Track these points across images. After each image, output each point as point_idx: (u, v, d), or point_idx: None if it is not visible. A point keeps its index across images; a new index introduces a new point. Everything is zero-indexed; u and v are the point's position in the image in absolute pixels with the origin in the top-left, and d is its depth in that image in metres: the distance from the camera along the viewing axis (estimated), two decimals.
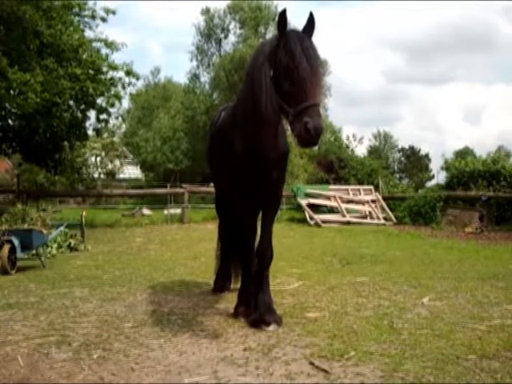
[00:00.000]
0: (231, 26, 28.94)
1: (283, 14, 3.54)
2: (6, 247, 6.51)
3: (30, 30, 10.64)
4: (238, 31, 28.47)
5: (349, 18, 79.50)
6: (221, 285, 5.37)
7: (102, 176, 29.78)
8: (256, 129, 3.81)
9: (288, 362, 3.23)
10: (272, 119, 3.66)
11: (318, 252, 8.79)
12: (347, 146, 35.04)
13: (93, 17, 13.04)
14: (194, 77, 30.01)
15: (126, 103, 34.91)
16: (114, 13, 13.23)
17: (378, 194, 17.11)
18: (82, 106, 13.06)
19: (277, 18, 3.60)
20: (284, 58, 3.42)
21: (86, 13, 13.07)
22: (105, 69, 12.85)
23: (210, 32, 28.87)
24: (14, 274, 6.56)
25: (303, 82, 3.30)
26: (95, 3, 13.15)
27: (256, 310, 4.12)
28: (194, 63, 29.84)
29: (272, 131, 3.86)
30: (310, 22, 3.58)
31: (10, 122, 13.36)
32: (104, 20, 13.12)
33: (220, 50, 29.50)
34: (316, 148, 29.71)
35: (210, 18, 28.67)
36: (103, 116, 13.66)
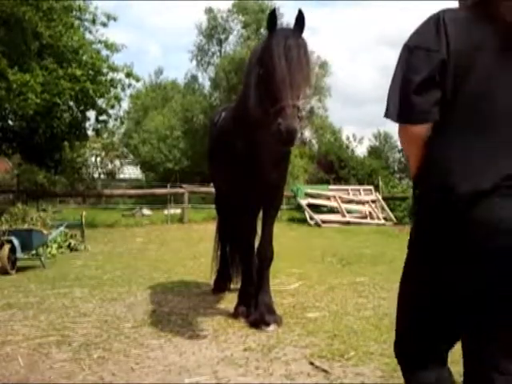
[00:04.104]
0: (233, 27, 28.97)
1: (273, 13, 3.51)
2: (6, 247, 6.52)
3: (30, 30, 10.65)
4: (240, 32, 28.49)
5: (348, 18, 79.58)
6: (221, 285, 5.38)
7: (101, 176, 29.81)
8: (252, 129, 3.81)
9: (288, 362, 3.23)
10: (263, 120, 3.53)
11: (318, 252, 8.79)
12: (347, 147, 35.04)
13: (93, 21, 13.02)
14: (192, 78, 30.12)
15: (125, 104, 35.00)
16: (115, 19, 13.24)
17: (378, 194, 17.12)
18: (82, 107, 13.08)
19: (267, 18, 3.54)
20: (265, 58, 3.40)
21: (87, 16, 13.08)
22: (105, 70, 12.87)
23: (212, 32, 28.87)
24: (14, 274, 6.57)
25: (279, 82, 3.26)
26: (96, 7, 13.18)
27: (256, 310, 4.13)
28: (194, 63, 29.93)
29: (268, 131, 3.82)
30: (299, 20, 3.47)
31: (10, 122, 13.38)
32: (105, 25, 13.12)
33: (221, 50, 29.54)
34: (316, 148, 29.82)
35: (212, 17, 28.66)
36: (103, 117, 13.70)
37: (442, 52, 1.45)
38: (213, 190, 6.23)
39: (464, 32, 1.46)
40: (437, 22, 1.48)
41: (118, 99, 13.25)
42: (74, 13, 12.62)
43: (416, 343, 1.65)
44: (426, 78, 1.45)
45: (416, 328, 1.63)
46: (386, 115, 1.55)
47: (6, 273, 6.45)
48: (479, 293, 1.45)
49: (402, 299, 1.68)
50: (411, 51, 1.50)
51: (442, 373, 1.64)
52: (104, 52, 13.08)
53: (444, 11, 1.50)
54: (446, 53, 1.44)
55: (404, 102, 1.48)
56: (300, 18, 3.47)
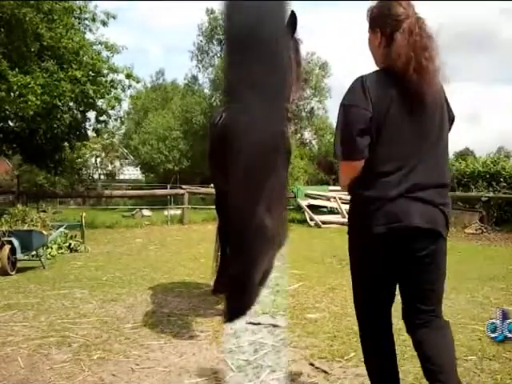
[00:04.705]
0: None
1: None
2: (7, 248, 6.51)
3: (31, 32, 10.63)
4: None
5: (349, 18, 79.58)
6: (221, 286, 5.37)
7: (102, 177, 29.81)
8: None
9: (288, 363, 3.23)
10: None
11: (318, 253, 8.79)
12: None
13: (93, 19, 13.04)
14: (192, 79, 30.13)
15: (125, 105, 34.98)
16: (114, 17, 13.25)
17: None
18: (82, 108, 13.08)
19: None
20: None
21: (87, 16, 13.08)
22: (105, 71, 12.87)
23: (212, 32, 28.88)
24: (14, 274, 6.56)
25: None
26: (96, 6, 13.19)
27: None
28: (194, 63, 29.96)
29: None
30: (291, 21, 3.35)
31: (10, 123, 13.37)
32: (105, 24, 13.13)
33: (222, 51, 29.53)
34: (316, 149, 29.82)
35: (213, 18, 28.66)
36: (103, 118, 13.70)
37: (370, 110, 1.99)
38: (213, 190, 6.23)
39: (380, 90, 2.00)
40: (362, 85, 2.00)
41: (119, 100, 13.26)
42: (74, 13, 12.62)
43: (368, 311, 2.32)
44: (362, 128, 1.99)
45: (363, 293, 2.36)
46: (335, 156, 2.10)
47: (6, 274, 6.44)
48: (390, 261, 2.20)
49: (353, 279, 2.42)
50: (348, 108, 2.03)
51: (389, 341, 2.34)
52: (104, 53, 13.11)
53: (366, 75, 2.04)
54: (371, 110, 1.98)
55: (348, 145, 2.03)
56: (292, 19, 3.47)
